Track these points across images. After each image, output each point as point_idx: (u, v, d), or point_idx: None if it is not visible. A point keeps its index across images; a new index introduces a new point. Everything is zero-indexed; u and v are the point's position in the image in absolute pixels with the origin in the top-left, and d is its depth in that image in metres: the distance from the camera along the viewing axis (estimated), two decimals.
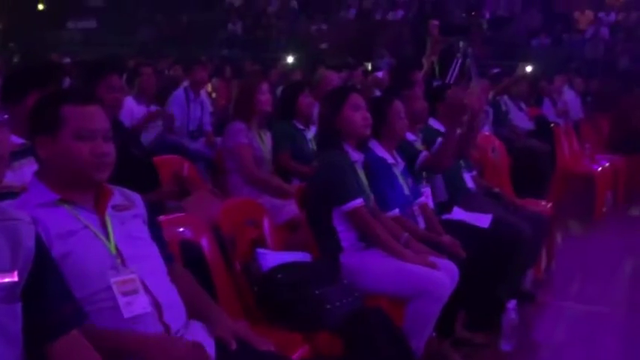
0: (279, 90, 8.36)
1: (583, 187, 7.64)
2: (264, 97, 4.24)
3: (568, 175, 7.32)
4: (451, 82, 6.78)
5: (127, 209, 2.13)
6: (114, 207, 2.09)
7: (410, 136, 3.99)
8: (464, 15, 8.23)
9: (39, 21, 20.20)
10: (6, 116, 2.69)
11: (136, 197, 2.20)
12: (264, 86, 4.30)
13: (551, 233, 5.05)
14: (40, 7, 21.25)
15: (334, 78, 5.68)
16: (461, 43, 6.99)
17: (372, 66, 14.20)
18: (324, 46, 17.41)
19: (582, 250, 5.64)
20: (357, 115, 3.24)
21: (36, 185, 2.02)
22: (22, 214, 1.74)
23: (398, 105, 3.59)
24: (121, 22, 20.14)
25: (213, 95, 8.95)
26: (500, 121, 7.56)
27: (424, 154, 3.92)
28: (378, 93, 9.05)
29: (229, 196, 4.12)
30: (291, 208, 3.82)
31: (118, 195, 2.14)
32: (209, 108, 6.58)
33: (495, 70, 9.86)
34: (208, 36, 19.20)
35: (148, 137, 5.46)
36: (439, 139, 4.05)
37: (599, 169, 6.98)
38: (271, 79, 9.78)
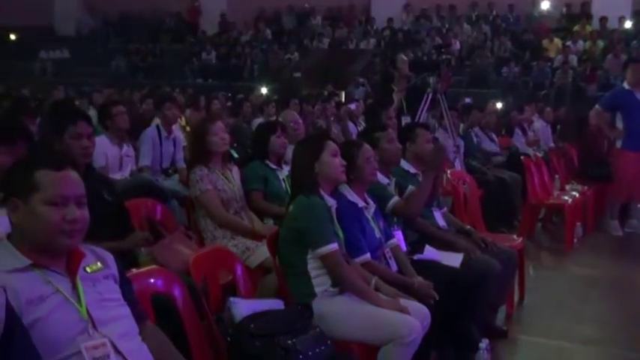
0: (254, 123, 8.41)
1: (554, 219, 7.77)
2: (217, 137, 4.12)
3: (538, 207, 7.40)
4: (420, 119, 6.82)
5: (99, 270, 2.14)
6: (85, 269, 2.10)
7: (383, 179, 4.03)
8: (433, 51, 8.33)
9: (10, 51, 20.07)
10: None
11: (108, 257, 2.22)
12: (216, 127, 4.15)
13: (522, 266, 5.10)
14: (12, 37, 21.14)
15: (297, 119, 5.69)
16: (431, 79, 7.05)
17: (346, 94, 14.32)
18: (297, 74, 17.47)
19: (554, 283, 5.69)
20: (336, 160, 3.33)
21: (8, 249, 2.02)
22: None
23: (367, 149, 3.63)
24: (93, 52, 20.08)
25: (188, 129, 8.91)
26: (472, 152, 7.68)
27: (395, 199, 3.97)
28: (351, 124, 9.16)
29: (203, 237, 4.12)
30: (266, 250, 3.82)
31: (90, 256, 2.15)
32: (182, 144, 6.55)
33: (467, 101, 10.02)
34: (182, 65, 19.23)
35: (122, 175, 5.46)
36: (410, 187, 4.09)
37: (569, 200, 7.03)
38: (245, 111, 9.83)
